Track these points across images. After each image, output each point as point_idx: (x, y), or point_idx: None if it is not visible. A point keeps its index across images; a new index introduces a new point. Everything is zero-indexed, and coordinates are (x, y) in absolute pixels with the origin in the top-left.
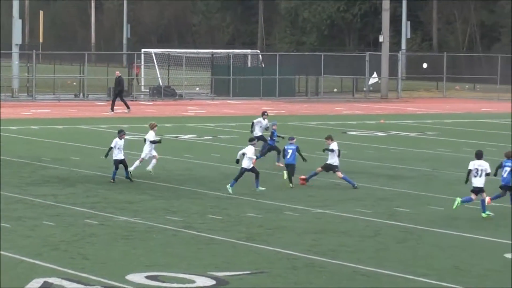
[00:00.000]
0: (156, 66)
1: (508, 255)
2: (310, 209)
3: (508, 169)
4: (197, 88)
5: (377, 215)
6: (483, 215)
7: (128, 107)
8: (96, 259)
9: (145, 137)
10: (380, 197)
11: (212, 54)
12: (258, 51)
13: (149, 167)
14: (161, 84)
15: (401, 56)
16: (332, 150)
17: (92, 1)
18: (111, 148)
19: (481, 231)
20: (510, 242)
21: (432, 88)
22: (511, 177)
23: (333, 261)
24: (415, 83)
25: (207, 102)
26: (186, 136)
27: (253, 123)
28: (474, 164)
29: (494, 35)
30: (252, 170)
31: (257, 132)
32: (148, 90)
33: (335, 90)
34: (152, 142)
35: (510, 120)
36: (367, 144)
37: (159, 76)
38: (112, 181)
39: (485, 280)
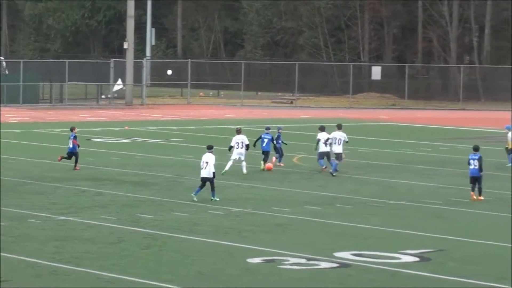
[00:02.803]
0: None
1: (250, 260)
2: (53, 216)
3: None
4: None
5: (121, 221)
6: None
7: None
8: None
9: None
10: (124, 204)
11: None
12: (2, 57)
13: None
14: None
15: (146, 63)
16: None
17: None
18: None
19: (224, 236)
20: (252, 247)
21: (176, 95)
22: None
23: (77, 269)
24: (160, 90)
25: None
26: None
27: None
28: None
29: (238, 42)
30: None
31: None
32: None
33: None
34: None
35: (254, 126)
36: (111, 151)
37: None
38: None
39: (228, 285)
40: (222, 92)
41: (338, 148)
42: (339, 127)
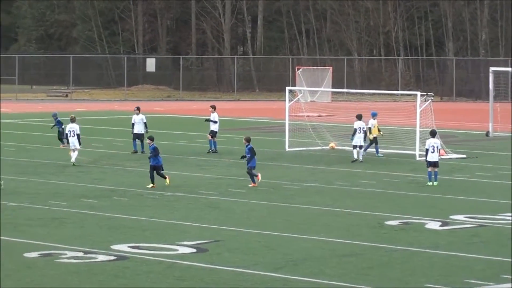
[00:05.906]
0: None
1: (27, 255)
2: None
3: None
4: None
5: None
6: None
7: None
8: None
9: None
10: None
11: None
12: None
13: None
14: None
15: None
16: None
17: None
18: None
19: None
20: (29, 241)
21: None
22: None
23: None
24: None
25: None
26: None
27: None
28: (430, 142)
29: (11, 35)
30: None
31: None
32: None
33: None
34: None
35: (29, 120)
36: None
37: None
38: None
39: (6, 280)
40: None
41: (435, 156)
42: (433, 134)
